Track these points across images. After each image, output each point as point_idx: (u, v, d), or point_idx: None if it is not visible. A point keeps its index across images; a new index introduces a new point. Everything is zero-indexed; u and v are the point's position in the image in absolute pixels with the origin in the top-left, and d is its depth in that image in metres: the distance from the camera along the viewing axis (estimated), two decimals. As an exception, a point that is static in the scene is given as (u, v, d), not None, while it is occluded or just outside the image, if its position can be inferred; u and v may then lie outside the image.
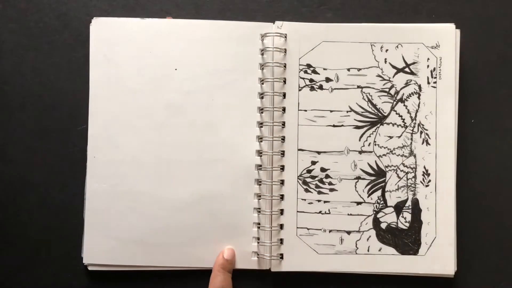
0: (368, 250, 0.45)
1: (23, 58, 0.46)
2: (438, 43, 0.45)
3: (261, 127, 0.45)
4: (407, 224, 0.45)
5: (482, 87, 0.47)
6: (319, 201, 0.45)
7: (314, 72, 0.45)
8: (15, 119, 0.46)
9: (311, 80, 0.45)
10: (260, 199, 0.45)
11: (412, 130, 0.45)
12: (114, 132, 0.45)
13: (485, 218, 0.46)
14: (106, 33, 0.45)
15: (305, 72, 0.45)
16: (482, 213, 0.46)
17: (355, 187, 0.45)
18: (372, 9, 0.47)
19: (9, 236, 0.46)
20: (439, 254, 0.44)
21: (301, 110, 0.45)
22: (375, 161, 0.45)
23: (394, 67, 0.45)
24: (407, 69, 0.45)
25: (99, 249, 0.44)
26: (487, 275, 0.45)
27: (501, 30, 0.47)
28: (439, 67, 0.45)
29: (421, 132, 0.45)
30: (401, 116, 0.45)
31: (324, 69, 0.45)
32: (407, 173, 0.45)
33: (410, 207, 0.45)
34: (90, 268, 0.45)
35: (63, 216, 0.46)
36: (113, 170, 0.44)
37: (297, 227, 0.45)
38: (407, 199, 0.45)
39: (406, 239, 0.45)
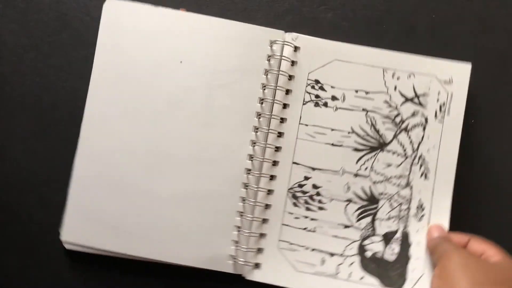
0: (349, 277, 0.44)
1: (23, 58, 0.47)
2: (451, 79, 0.45)
3: (257, 132, 0.45)
4: (394, 257, 0.44)
5: (482, 86, 0.46)
6: (306, 217, 0.44)
7: (322, 88, 0.45)
8: (15, 119, 0.47)
9: (316, 96, 0.45)
10: (245, 203, 0.44)
11: (412, 162, 0.44)
12: (110, 117, 0.45)
13: (486, 216, 0.46)
14: (116, 17, 0.46)
15: (312, 87, 0.45)
16: (482, 211, 0.46)
17: (345, 209, 0.44)
18: (372, 9, 0.47)
19: (9, 236, 0.46)
20: None
21: (302, 124, 0.45)
22: (370, 187, 0.44)
23: (403, 95, 0.45)
24: (416, 100, 0.45)
25: (80, 228, 0.44)
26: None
27: (501, 28, 0.47)
28: (449, 103, 0.44)
29: (421, 165, 0.44)
30: (403, 146, 0.45)
31: (332, 87, 0.45)
32: (400, 204, 0.44)
33: (399, 239, 0.44)
34: (67, 246, 0.45)
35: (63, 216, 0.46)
36: (105, 154, 0.45)
37: (279, 240, 0.44)
38: (397, 230, 0.44)
39: (392, 272, 0.43)
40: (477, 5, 0.47)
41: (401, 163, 0.44)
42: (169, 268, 0.45)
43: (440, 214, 0.43)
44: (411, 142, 0.45)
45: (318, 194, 0.45)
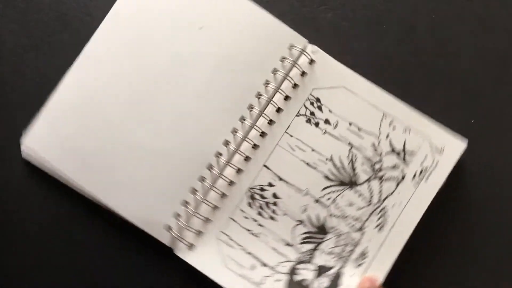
0: None
1: (23, 58, 0.46)
2: (443, 149, 0.45)
3: (243, 122, 0.45)
4: (326, 285, 0.44)
5: (482, 86, 0.47)
6: (255, 220, 0.44)
7: (319, 108, 0.45)
8: (15, 119, 0.46)
9: (312, 113, 0.45)
10: (203, 182, 0.44)
11: (373, 210, 0.44)
12: (113, 55, 0.45)
13: (485, 218, 0.46)
14: None
15: (311, 103, 0.45)
16: (481, 214, 0.46)
17: (294, 228, 0.44)
18: (372, 9, 0.47)
19: (9, 236, 0.46)
20: None
21: (287, 133, 0.45)
22: (325, 217, 0.44)
23: (391, 146, 0.45)
24: (401, 155, 0.45)
25: (43, 140, 0.44)
26: None
27: (501, 28, 0.47)
28: (431, 171, 0.44)
29: (380, 217, 0.44)
30: (371, 193, 0.45)
31: (330, 111, 0.45)
32: (346, 244, 0.44)
33: (332, 276, 0.44)
34: (24, 154, 0.44)
35: (63, 215, 0.46)
36: (95, 85, 0.45)
37: (221, 231, 0.44)
38: (333, 267, 0.44)
39: None
40: (477, 5, 0.47)
41: (362, 207, 0.44)
42: (112, 216, 0.45)
43: (380, 268, 0.43)
44: (380, 192, 0.45)
45: (275, 204, 0.45)
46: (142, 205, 0.44)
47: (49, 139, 0.44)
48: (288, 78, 0.45)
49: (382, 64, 0.46)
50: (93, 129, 0.45)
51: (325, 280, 0.44)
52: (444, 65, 0.47)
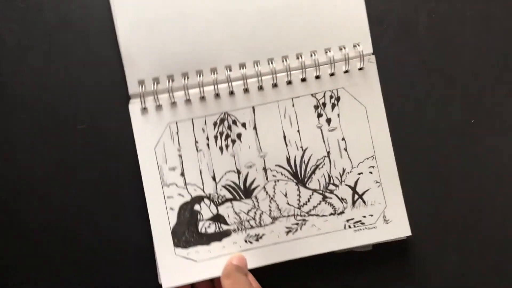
0: (167, 197, 0.44)
1: (23, 58, 0.46)
2: (389, 222, 0.45)
3: (269, 63, 0.45)
4: (201, 230, 0.44)
5: (483, 86, 0.47)
6: (207, 139, 0.45)
7: (333, 106, 0.45)
8: (15, 119, 0.46)
9: (323, 104, 0.45)
10: (198, 76, 0.45)
11: (296, 215, 0.45)
12: None
13: (484, 218, 0.47)
14: None
15: (331, 97, 0.45)
16: (481, 213, 0.47)
17: (228, 172, 0.45)
18: (372, 9, 0.47)
19: (9, 236, 0.46)
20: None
21: (293, 99, 0.45)
22: (258, 186, 0.45)
23: (356, 184, 0.45)
24: (356, 197, 0.45)
25: None
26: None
27: (501, 28, 0.48)
28: (366, 229, 0.45)
29: (296, 224, 0.45)
30: (307, 201, 0.45)
31: (338, 115, 0.45)
32: (254, 219, 0.45)
33: (220, 231, 0.44)
34: None
35: (63, 216, 0.46)
36: None
37: (176, 121, 0.45)
38: (228, 225, 0.45)
39: (187, 232, 0.44)
40: (477, 5, 0.48)
41: (291, 205, 0.45)
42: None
43: (257, 258, 0.44)
44: (314, 207, 0.45)
45: (233, 141, 0.45)
46: (141, 49, 0.45)
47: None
48: (332, 65, 0.45)
49: (382, 64, 0.46)
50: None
51: (212, 228, 0.45)
52: (444, 65, 0.47)
